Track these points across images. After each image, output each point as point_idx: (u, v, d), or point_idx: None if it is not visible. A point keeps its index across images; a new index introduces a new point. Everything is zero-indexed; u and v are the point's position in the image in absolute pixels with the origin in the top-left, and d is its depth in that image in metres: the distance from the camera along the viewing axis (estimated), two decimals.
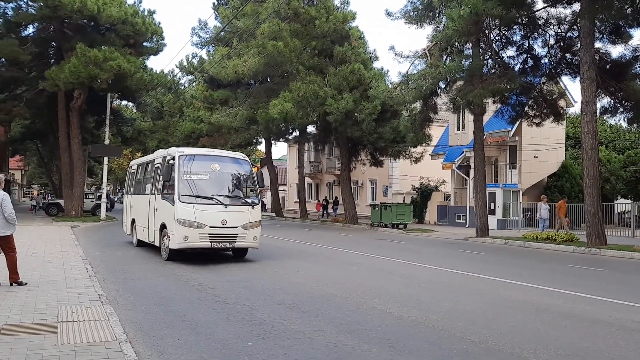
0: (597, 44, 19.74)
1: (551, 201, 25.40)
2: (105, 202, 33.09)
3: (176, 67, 47.16)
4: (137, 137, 45.40)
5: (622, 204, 29.87)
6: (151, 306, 7.73)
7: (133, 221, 16.50)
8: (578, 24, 19.87)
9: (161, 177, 13.28)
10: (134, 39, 29.92)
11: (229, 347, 5.65)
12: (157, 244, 13.54)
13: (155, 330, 6.34)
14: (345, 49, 29.25)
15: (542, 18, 21.38)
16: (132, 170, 17.79)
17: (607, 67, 20.76)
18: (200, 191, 12.49)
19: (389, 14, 23.77)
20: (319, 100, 27.91)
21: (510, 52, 24.76)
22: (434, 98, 23.03)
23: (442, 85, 22.10)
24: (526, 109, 23.78)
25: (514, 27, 21.82)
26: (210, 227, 12.10)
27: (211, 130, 37.33)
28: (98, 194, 38.13)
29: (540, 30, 21.75)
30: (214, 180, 12.96)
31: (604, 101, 21.45)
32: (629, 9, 19.02)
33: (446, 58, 22.22)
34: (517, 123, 26.78)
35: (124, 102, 46.89)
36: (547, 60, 22.31)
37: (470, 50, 21.71)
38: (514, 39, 22.52)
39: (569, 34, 21.35)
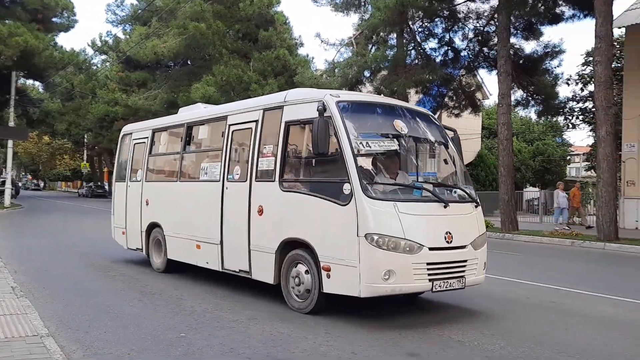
0: (512, 40, 20.68)
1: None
2: (10, 189, 30.85)
3: (89, 45, 44.69)
4: (45, 119, 42.62)
5: (531, 192, 31.75)
6: (71, 298, 7.24)
7: (152, 227, 9.58)
8: (495, 19, 20.71)
9: (277, 147, 6.77)
10: (43, 13, 28.03)
11: (160, 338, 5.38)
12: (262, 277, 7.05)
13: (79, 323, 5.93)
14: (271, 33, 28.88)
15: (462, 12, 22.10)
16: (139, 141, 10.53)
17: (521, 62, 21.81)
18: (389, 175, 6.62)
19: (315, 0, 23.66)
20: (243, 85, 27.43)
21: (432, 44, 25.48)
22: (360, 87, 23.26)
23: (367, 74, 22.32)
24: (446, 100, 24.56)
25: (436, 19, 22.39)
26: (430, 249, 5.92)
27: (127, 114, 35.78)
28: (1, 180, 35.49)
29: (460, 23, 22.48)
30: (406, 154, 7.15)
31: (517, 94, 22.55)
32: (541, 7, 20.07)
33: (371, 47, 22.47)
34: (438, 114, 27.65)
35: (30, 82, 43.80)
36: (466, 53, 23.12)
37: (395, 41, 22.08)
38: (436, 32, 23.13)
39: (486, 28, 22.22)
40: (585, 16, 19.98)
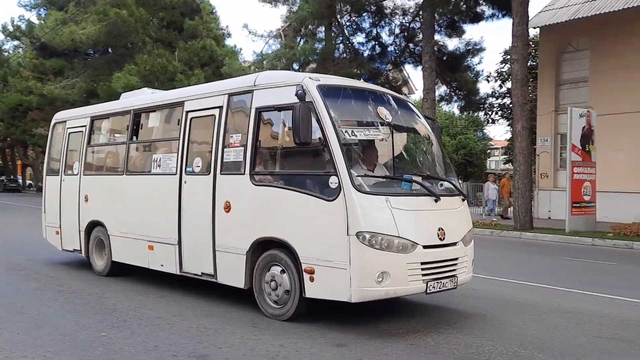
0: (437, 37, 21.33)
1: None
2: None
3: None
4: None
5: None
6: None
7: (93, 226, 8.59)
8: (420, 16, 21.25)
9: (247, 136, 6.11)
10: None
11: (79, 339, 5.12)
12: (230, 281, 6.34)
13: None
14: (197, 23, 28.20)
15: (389, 8, 22.60)
16: (74, 130, 9.39)
17: (445, 58, 22.57)
18: (367, 167, 5.95)
19: None
20: (168, 75, 26.63)
21: (360, 38, 25.87)
22: None
23: (296, 67, 22.30)
24: None
25: (364, 14, 22.71)
26: (424, 247, 5.46)
27: (43, 103, 33.87)
28: None
29: (387, 19, 22.94)
30: (391, 143, 6.37)
31: (441, 90, 23.34)
32: (463, 5, 20.82)
33: (300, 40, 22.46)
34: None
35: None
36: (393, 49, 23.63)
37: (323, 34, 22.18)
38: (364, 26, 23.49)
39: (412, 25, 22.77)
40: (503, 16, 20.93)
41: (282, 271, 5.77)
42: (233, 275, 6.23)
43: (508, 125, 32.05)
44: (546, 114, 21.40)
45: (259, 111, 6.07)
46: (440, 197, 5.79)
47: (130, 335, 5.24)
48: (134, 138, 8.12)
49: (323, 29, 21.88)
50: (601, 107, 17.84)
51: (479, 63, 23.10)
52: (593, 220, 16.11)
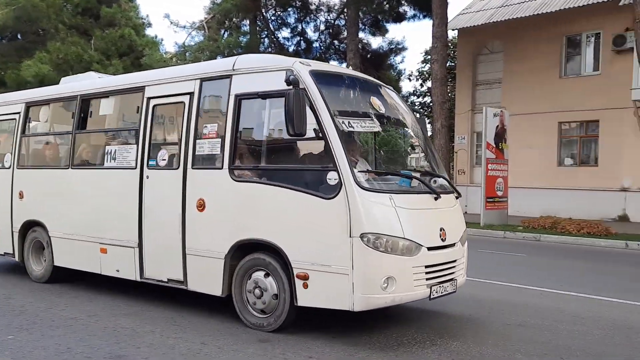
0: (361, 34, 21.68)
1: None
2: None
3: None
4: None
5: None
6: None
7: (30, 227, 7.63)
8: (345, 14, 21.50)
9: (225, 126, 5.53)
10: None
11: None
12: (204, 289, 5.72)
13: None
14: (114, 10, 26.97)
15: (314, 4, 22.72)
16: (5, 117, 8.42)
17: (368, 56, 23.02)
18: (361, 161, 5.53)
19: None
20: (84, 65, 25.23)
21: (286, 33, 25.73)
22: None
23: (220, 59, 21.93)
24: None
25: (289, 9, 22.68)
26: (428, 249, 5.09)
27: None
28: None
29: (312, 15, 23.04)
30: (385, 135, 6.31)
31: None
32: (386, 5, 21.28)
33: (224, 32, 22.10)
34: None
35: None
36: (318, 45, 23.79)
37: (248, 27, 21.94)
38: (289, 21, 23.47)
39: (337, 22, 23.02)
40: (424, 17, 21.60)
41: (267, 275, 5.20)
42: (208, 281, 5.59)
43: (429, 123, 33.14)
44: (463, 112, 22.29)
45: (239, 98, 5.45)
46: (439, 195, 5.38)
47: (40, 337, 4.96)
48: (82, 127, 7.26)
49: (248, 22, 21.66)
50: (513, 107, 18.80)
51: (401, 62, 23.89)
52: (505, 214, 16.96)
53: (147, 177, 6.17)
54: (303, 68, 5.18)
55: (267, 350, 4.72)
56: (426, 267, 5.01)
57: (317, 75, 5.19)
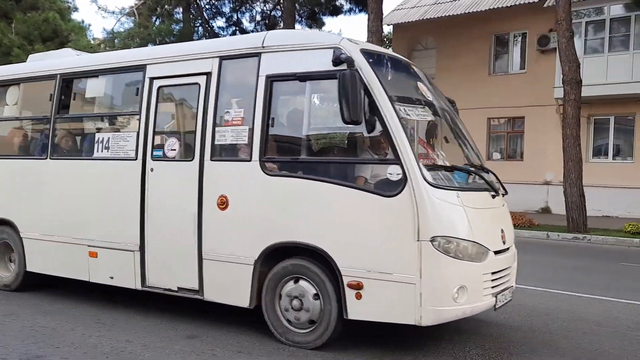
0: (297, 26, 21.55)
1: None
2: None
3: None
4: None
5: None
6: None
7: None
8: (281, 5, 21.34)
9: (254, 111, 4.81)
10: None
11: None
12: (225, 299, 5.02)
13: None
14: None
15: None
16: None
17: None
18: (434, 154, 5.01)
19: None
20: (3, 50, 23.82)
21: (221, 22, 25.35)
22: None
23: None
24: None
25: None
26: (494, 252, 4.56)
27: None
28: None
29: (248, 5, 22.70)
30: (437, 126, 5.36)
31: None
32: None
33: (156, 19, 21.42)
34: None
35: None
36: None
37: (181, 15, 21.37)
38: (224, 10, 23.03)
39: (273, 12, 22.81)
40: (360, 11, 21.78)
41: (308, 285, 4.55)
42: (231, 291, 4.90)
43: None
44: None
45: (271, 80, 4.75)
46: (497, 192, 4.84)
47: None
48: (63, 111, 6.32)
49: (181, 10, 21.09)
50: None
51: None
52: None
53: (152, 169, 5.34)
54: (353, 46, 4.52)
55: (195, 347, 4.59)
56: (492, 273, 4.47)
57: (368, 55, 4.56)
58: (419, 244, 4.10)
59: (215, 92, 5.04)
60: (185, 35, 19.93)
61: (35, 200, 6.23)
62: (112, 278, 5.64)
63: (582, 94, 13.28)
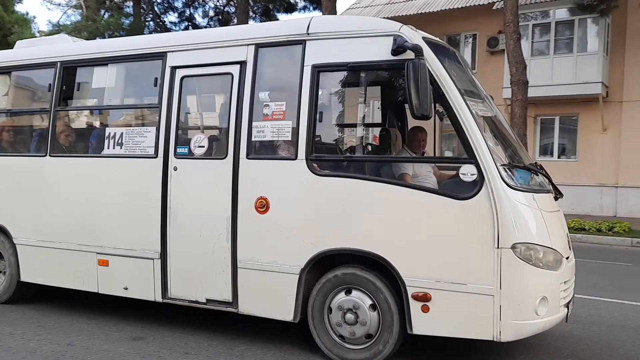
0: (251, 23, 21.37)
1: None
2: None
3: None
4: None
5: None
6: None
7: None
8: (235, 0, 21.11)
9: (298, 104, 4.33)
10: None
11: None
12: (264, 312, 4.52)
13: None
14: None
15: None
16: None
17: None
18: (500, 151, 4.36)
19: None
20: None
21: (173, 17, 24.80)
22: None
23: None
24: None
25: None
26: (566, 258, 4.19)
27: None
28: None
29: (201, 0, 22.34)
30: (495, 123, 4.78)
31: None
32: None
33: (104, 12, 20.81)
34: None
35: None
36: None
37: (132, 9, 20.84)
38: (176, 5, 22.60)
39: (227, 8, 22.54)
40: (314, 9, 21.77)
41: (364, 296, 4.15)
42: (271, 303, 4.44)
43: None
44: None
45: (319, 70, 4.31)
46: (561, 194, 4.43)
47: None
48: (64, 103, 5.72)
49: (131, 3, 20.57)
50: None
51: None
52: None
53: (175, 168, 4.81)
54: (414, 34, 4.10)
55: (140, 349, 4.48)
56: (565, 282, 4.11)
57: (431, 44, 4.15)
58: (499, 251, 3.75)
59: (251, 83, 4.56)
60: (136, 30, 19.43)
61: (32, 203, 5.55)
62: (126, 289, 5.06)
63: (529, 95, 13.66)
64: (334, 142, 4.76)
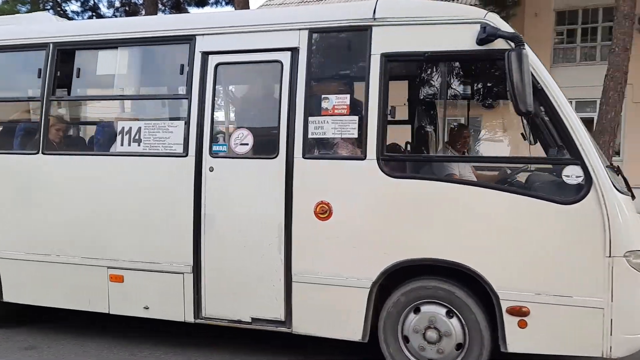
0: (161, 15, 20.70)
1: None
2: None
3: None
4: None
5: None
6: None
7: None
8: None
9: (366, 97, 3.86)
10: None
11: None
12: (324, 331, 4.03)
13: None
14: None
15: None
16: None
17: None
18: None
19: None
20: None
21: (75, 6, 23.49)
22: None
23: None
24: None
25: None
26: None
27: None
28: None
29: None
30: None
31: None
32: None
33: None
34: None
35: None
36: None
37: None
38: None
39: (134, 0, 21.67)
40: (227, 4, 21.40)
41: (449, 313, 3.77)
42: (334, 320, 3.96)
43: None
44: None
45: (388, 59, 3.87)
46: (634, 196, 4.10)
47: None
48: (61, 92, 4.93)
49: None
50: None
51: None
52: None
53: (211, 169, 4.20)
54: (502, 23, 3.75)
55: (32, 358, 4.20)
56: None
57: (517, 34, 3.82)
58: (610, 260, 3.44)
59: (305, 73, 4.01)
60: None
61: (19, 208, 4.69)
62: (146, 309, 4.38)
63: None
64: (414, 140, 4.34)
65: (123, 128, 4.44)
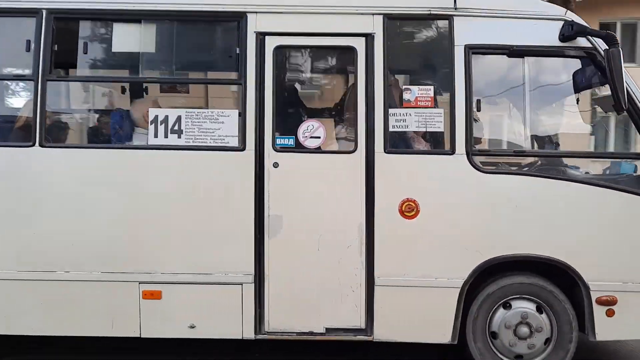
0: None
1: None
2: None
3: None
4: None
5: None
6: None
7: None
8: None
9: (452, 89, 3.79)
10: None
11: None
12: (410, 336, 3.91)
13: None
14: None
15: None
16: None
17: None
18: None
19: None
20: None
21: None
22: None
23: None
24: None
25: None
26: None
27: None
28: None
29: None
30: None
31: None
32: None
33: None
34: None
35: None
36: None
37: None
38: None
39: None
40: None
41: (529, 302, 3.85)
42: (421, 323, 3.84)
43: None
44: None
45: (472, 51, 3.79)
46: None
47: None
48: (62, 71, 4.23)
49: None
50: None
51: None
52: None
53: (276, 164, 3.83)
54: (581, 20, 3.87)
55: None
56: None
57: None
58: None
59: (382, 62, 3.79)
60: None
61: (12, 215, 3.86)
62: (192, 327, 3.89)
63: None
64: (499, 135, 4.46)
65: (156, 116, 3.85)
